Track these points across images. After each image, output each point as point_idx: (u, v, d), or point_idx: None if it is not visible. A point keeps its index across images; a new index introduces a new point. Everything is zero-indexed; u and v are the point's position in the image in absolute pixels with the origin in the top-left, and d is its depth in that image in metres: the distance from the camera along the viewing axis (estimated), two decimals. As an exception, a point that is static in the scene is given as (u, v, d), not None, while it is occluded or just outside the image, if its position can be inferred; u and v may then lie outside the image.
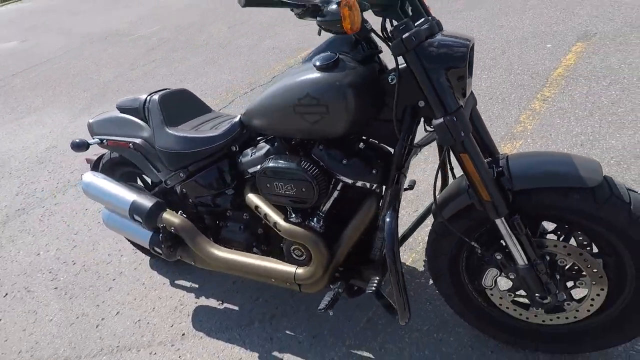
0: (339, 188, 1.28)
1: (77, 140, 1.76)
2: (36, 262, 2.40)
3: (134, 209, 1.62)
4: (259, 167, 1.37)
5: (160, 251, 1.65)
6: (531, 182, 1.04)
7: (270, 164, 1.28)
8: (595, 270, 1.09)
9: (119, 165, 1.90)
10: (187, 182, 1.57)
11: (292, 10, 0.97)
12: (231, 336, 1.69)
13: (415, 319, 1.57)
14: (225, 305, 1.84)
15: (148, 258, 2.21)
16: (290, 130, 1.24)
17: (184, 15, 7.94)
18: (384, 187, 1.24)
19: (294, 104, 1.16)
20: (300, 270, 1.36)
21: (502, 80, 2.96)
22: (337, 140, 1.25)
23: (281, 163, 1.26)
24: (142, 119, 1.67)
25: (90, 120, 1.84)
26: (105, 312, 1.96)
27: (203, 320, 1.80)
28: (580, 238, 1.10)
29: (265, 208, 1.39)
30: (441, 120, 1.00)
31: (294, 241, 1.35)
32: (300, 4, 0.95)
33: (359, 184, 1.23)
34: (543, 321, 1.23)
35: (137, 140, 1.64)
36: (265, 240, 1.55)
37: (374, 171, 1.21)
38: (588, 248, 1.10)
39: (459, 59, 0.99)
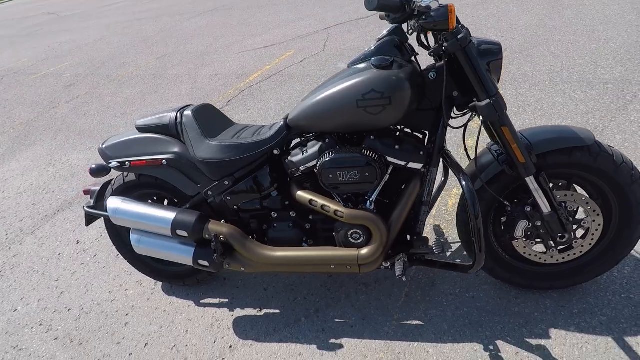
0: (389, 172, 1.49)
1: (95, 166, 1.69)
2: (16, 318, 2.11)
3: (178, 224, 1.60)
4: (312, 162, 1.51)
5: (206, 263, 1.65)
6: (547, 146, 1.38)
7: (335, 156, 1.43)
8: (594, 211, 1.46)
9: (134, 189, 1.83)
10: (232, 189, 1.62)
11: (387, 16, 1.23)
12: (282, 336, 1.74)
13: (446, 285, 1.81)
14: (265, 311, 1.87)
15: (159, 287, 2.11)
16: (350, 124, 1.41)
17: (95, 50, 7.50)
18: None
19: (357, 99, 1.35)
20: (362, 251, 1.51)
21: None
22: (384, 130, 1.47)
23: (345, 154, 1.42)
24: (171, 135, 1.68)
25: (102, 146, 1.77)
26: (131, 348, 1.83)
27: (247, 330, 1.80)
28: (578, 187, 1.47)
29: (321, 200, 1.52)
30: (487, 101, 1.28)
31: (353, 225, 1.51)
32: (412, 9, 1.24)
33: (411, 165, 1.45)
34: (557, 261, 1.56)
35: (170, 156, 1.64)
36: (312, 234, 1.66)
37: (421, 153, 1.45)
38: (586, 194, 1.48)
39: (497, 54, 1.30)
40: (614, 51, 3.52)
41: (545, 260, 1.57)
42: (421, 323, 1.67)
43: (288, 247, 1.63)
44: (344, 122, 1.41)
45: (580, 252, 1.53)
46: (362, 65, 1.40)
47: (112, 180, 1.95)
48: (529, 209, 1.45)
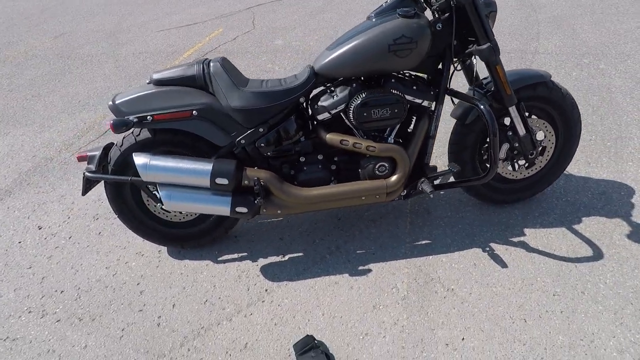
0: (406, 109, 1.71)
1: (116, 120, 1.55)
2: (-10, 311, 1.79)
3: (217, 172, 1.58)
4: (342, 106, 1.64)
5: (244, 210, 1.66)
6: (520, 82, 1.75)
7: (369, 97, 1.58)
8: (550, 132, 1.89)
9: (146, 147, 1.70)
10: (266, 136, 1.66)
11: None
12: (314, 273, 1.85)
13: (439, 210, 2.12)
14: (288, 256, 1.95)
15: (164, 254, 2.00)
16: (378, 68, 1.57)
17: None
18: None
19: (389, 44, 1.53)
20: (390, 181, 1.72)
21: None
22: (399, 74, 1.68)
23: (377, 94, 1.59)
24: (197, 87, 1.63)
25: (115, 102, 1.61)
26: (157, 311, 1.74)
27: (277, 273, 1.86)
28: (534, 115, 1.89)
29: (351, 139, 1.67)
30: (489, 44, 1.58)
31: (380, 158, 1.70)
32: None
33: (425, 103, 1.69)
34: (524, 176, 1.98)
35: (201, 106, 1.59)
36: (338, 172, 1.80)
37: (431, 92, 1.70)
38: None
39: (493, 6, 1.61)
40: (508, 28, 4.30)
41: (515, 177, 1.98)
42: (429, 241, 1.95)
43: (320, 186, 1.74)
44: (374, 66, 1.58)
45: (540, 166, 1.98)
46: (387, 16, 1.58)
47: (112, 143, 1.79)
48: (510, 134, 1.82)
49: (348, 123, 1.71)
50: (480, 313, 1.61)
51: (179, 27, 5.49)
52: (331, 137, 1.68)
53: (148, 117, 1.59)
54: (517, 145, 1.84)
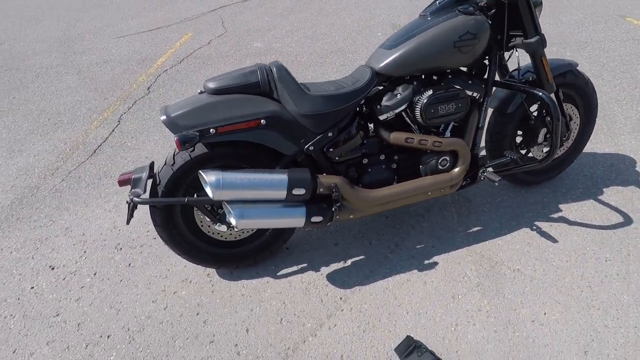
0: (469, 103, 1.70)
1: (181, 136, 1.35)
2: (26, 373, 1.49)
3: (294, 183, 1.45)
4: (405, 104, 1.60)
5: (319, 219, 1.54)
6: (554, 71, 1.83)
7: (437, 93, 1.55)
8: (576, 115, 2.00)
9: (202, 164, 1.52)
10: (335, 141, 1.55)
11: None
12: (382, 273, 1.78)
13: (478, 198, 2.15)
14: (349, 261, 1.86)
15: (214, 277, 1.81)
16: (442, 65, 1.55)
17: None
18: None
19: (454, 40, 1.51)
20: (454, 173, 1.70)
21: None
22: (455, 69, 1.67)
23: (443, 91, 1.56)
24: (260, 94, 1.47)
25: (169, 116, 1.40)
26: (230, 339, 1.55)
27: (345, 280, 1.77)
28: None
29: (417, 136, 1.63)
30: (537, 37, 1.62)
31: (444, 152, 1.68)
32: None
33: (477, 95, 1.69)
34: (552, 159, 2.08)
35: (269, 114, 1.44)
36: (397, 171, 1.75)
37: (483, 85, 1.71)
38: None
39: (541, 1, 1.65)
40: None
41: (544, 159, 2.08)
42: (481, 228, 1.98)
43: (384, 187, 1.68)
44: (437, 63, 1.55)
45: (567, 147, 2.09)
46: (446, 14, 1.56)
47: (152, 163, 1.57)
48: (548, 119, 1.90)
49: (408, 120, 1.67)
50: (550, 287, 1.67)
51: (139, 32, 5.04)
52: (396, 136, 1.62)
53: (211, 129, 1.41)
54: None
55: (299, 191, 1.46)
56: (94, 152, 2.79)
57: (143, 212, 2.21)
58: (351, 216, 1.63)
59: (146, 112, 3.24)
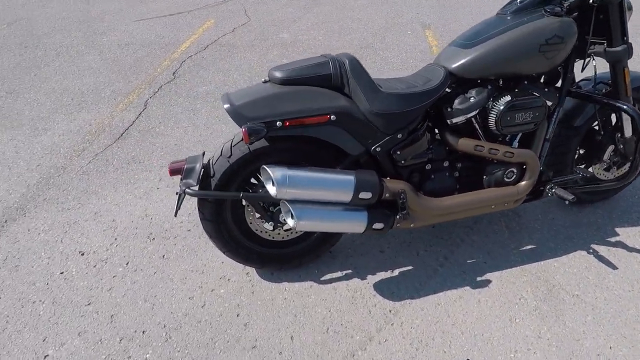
0: (547, 112, 1.61)
1: (250, 127, 1.27)
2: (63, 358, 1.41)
3: (361, 185, 1.37)
4: (477, 110, 1.52)
5: (380, 226, 1.47)
6: (634, 83, 1.75)
7: (516, 99, 1.47)
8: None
9: (260, 159, 1.44)
10: (404, 143, 1.48)
11: None
12: (432, 288, 1.70)
13: (528, 213, 2.06)
14: (397, 270, 1.78)
15: (254, 277, 1.73)
16: (522, 69, 1.47)
17: None
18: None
19: (540, 44, 1.43)
20: (520, 187, 1.62)
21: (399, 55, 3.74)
22: (530, 75, 1.59)
23: (523, 97, 1.48)
24: (330, 87, 1.40)
25: (237, 103, 1.32)
26: (275, 345, 1.48)
27: (394, 291, 1.69)
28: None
29: (487, 144, 1.55)
30: (624, 45, 1.54)
31: (510, 164, 1.60)
32: None
33: (550, 105, 1.61)
34: (614, 176, 2.00)
35: (339, 110, 1.36)
36: (459, 179, 1.67)
37: (557, 94, 1.63)
38: None
39: (631, 7, 1.56)
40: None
41: (607, 177, 2.00)
42: (534, 246, 1.90)
43: (445, 196, 1.61)
44: (517, 67, 1.47)
45: (625, 169, 2.01)
46: (531, 14, 1.48)
47: (203, 153, 1.49)
48: (618, 135, 1.82)
49: (476, 127, 1.59)
50: (614, 318, 1.59)
51: (160, 16, 4.95)
52: (464, 142, 1.54)
53: (277, 122, 1.33)
54: (621, 147, 1.85)
55: (365, 195, 1.39)
56: (121, 135, 2.71)
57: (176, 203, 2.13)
58: (412, 225, 1.55)
59: (173, 97, 3.16)
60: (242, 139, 1.40)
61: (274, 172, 1.31)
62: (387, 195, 1.45)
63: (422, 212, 1.53)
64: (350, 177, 1.37)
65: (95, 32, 4.47)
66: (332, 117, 1.36)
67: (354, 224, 1.44)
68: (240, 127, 1.31)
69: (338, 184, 1.36)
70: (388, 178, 1.53)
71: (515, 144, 1.64)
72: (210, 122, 2.84)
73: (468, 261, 1.82)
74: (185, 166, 1.43)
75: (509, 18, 1.50)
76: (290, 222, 1.41)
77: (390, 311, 1.61)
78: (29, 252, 1.86)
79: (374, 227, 1.47)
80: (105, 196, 2.19)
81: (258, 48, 4.00)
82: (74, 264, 1.80)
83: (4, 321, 1.57)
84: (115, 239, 1.93)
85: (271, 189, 1.35)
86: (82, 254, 1.85)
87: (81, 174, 2.35)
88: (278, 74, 1.37)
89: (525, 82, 1.55)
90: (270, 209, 1.57)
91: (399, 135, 1.47)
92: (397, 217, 1.47)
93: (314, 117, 1.35)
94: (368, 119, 1.41)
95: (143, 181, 2.29)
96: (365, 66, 3.50)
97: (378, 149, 1.47)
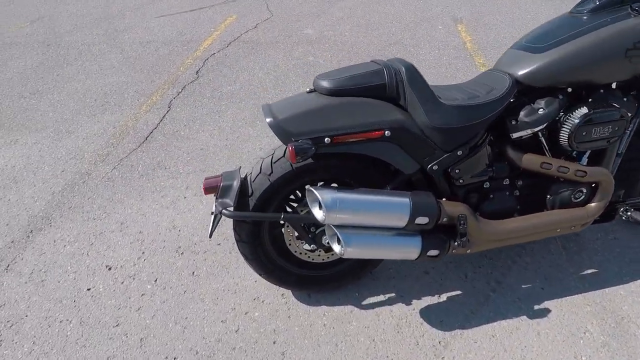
0: (627, 126, 1.43)
1: (300, 145, 1.14)
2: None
3: (418, 210, 1.22)
4: (546, 122, 1.35)
5: (435, 253, 1.32)
6: None
7: (595, 112, 1.30)
8: None
9: (300, 177, 1.31)
10: (465, 161, 1.33)
11: None
12: (485, 317, 1.55)
13: (587, 233, 1.88)
14: (444, 295, 1.64)
15: (290, 299, 1.61)
16: (604, 76, 1.30)
17: None
18: None
19: (627, 48, 1.24)
20: (590, 208, 1.45)
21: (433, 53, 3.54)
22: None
23: (602, 110, 1.30)
24: (384, 99, 1.25)
25: (280, 117, 1.19)
26: (317, 380, 1.37)
27: (442, 319, 1.55)
28: None
29: (555, 161, 1.38)
30: None
31: (580, 183, 1.42)
32: None
33: (627, 117, 1.43)
34: None
35: (394, 125, 1.22)
36: (519, 199, 1.51)
37: (636, 104, 1.45)
38: None
39: None
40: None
41: None
42: (595, 270, 1.72)
43: (504, 218, 1.45)
44: (599, 74, 1.30)
45: None
46: (614, 13, 1.29)
47: (239, 168, 1.37)
48: None
49: (543, 141, 1.42)
50: (695, 358, 1.41)
51: (181, 12, 4.85)
52: (529, 159, 1.38)
53: (325, 138, 1.19)
54: None
55: (421, 220, 1.24)
56: (146, 139, 2.61)
57: (205, 214, 2.03)
58: (468, 251, 1.40)
59: (197, 98, 3.05)
60: (285, 156, 1.27)
61: (322, 195, 1.17)
62: (444, 220, 1.30)
63: (481, 237, 1.38)
64: (405, 200, 1.23)
65: (116, 30, 4.40)
66: (386, 132, 1.21)
67: (407, 251, 1.30)
68: (286, 145, 1.18)
69: (392, 208, 1.22)
70: (444, 199, 1.38)
71: (585, 160, 1.47)
72: (236, 124, 2.72)
73: (523, 286, 1.66)
74: (222, 184, 1.31)
75: (585, 18, 1.32)
76: (336, 248, 1.28)
77: (439, 343, 1.47)
78: (55, 266, 1.78)
79: (428, 254, 1.32)
80: (131, 205, 2.10)
81: (282, 45, 3.86)
82: (101, 279, 1.72)
83: (30, 342, 1.49)
84: (143, 252, 1.84)
85: (318, 213, 1.22)
86: (109, 269, 1.76)
87: (106, 181, 2.27)
88: (326, 84, 1.23)
89: (601, 90, 1.37)
90: (312, 229, 1.44)
91: (459, 152, 1.31)
92: (455, 243, 1.32)
93: (367, 133, 1.21)
94: (426, 134, 1.26)
95: (169, 189, 2.20)
96: None
97: (435, 167, 1.32)
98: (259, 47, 3.82)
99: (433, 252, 1.32)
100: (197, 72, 3.43)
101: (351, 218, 1.21)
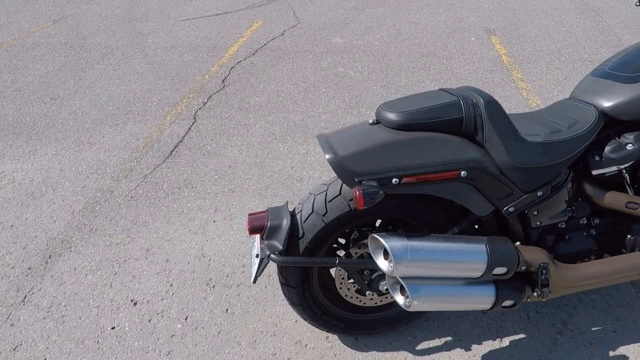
0: None
1: (368, 189, 0.97)
2: None
3: (497, 260, 1.05)
4: (632, 161, 1.17)
5: (510, 303, 1.15)
6: None
7: None
8: None
9: (352, 220, 1.15)
10: (546, 202, 1.15)
11: None
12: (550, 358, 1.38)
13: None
14: (507, 339, 1.45)
15: (335, 342, 1.45)
16: None
17: None
18: None
19: None
20: None
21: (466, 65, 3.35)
22: None
23: None
24: (459, 134, 1.08)
25: (342, 153, 1.03)
26: None
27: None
28: None
29: None
30: None
31: None
32: None
33: None
34: None
35: (471, 164, 1.05)
36: (596, 241, 1.33)
37: None
38: None
39: None
40: (582, 35, 3.94)
41: None
42: (675, 315, 1.53)
43: (581, 260, 1.27)
44: None
45: None
46: None
47: (286, 204, 1.20)
48: None
49: (627, 178, 1.24)
50: None
51: (206, 16, 4.70)
52: (613, 198, 1.20)
53: (394, 179, 1.02)
54: None
55: (500, 270, 1.07)
56: (170, 153, 2.46)
57: (235, 241, 1.87)
58: (543, 298, 1.22)
59: (224, 109, 2.90)
60: (352, 200, 1.10)
61: (390, 244, 1.00)
62: (522, 268, 1.13)
63: (560, 284, 1.20)
64: (482, 249, 1.05)
65: (140, 33, 4.27)
66: (462, 172, 1.04)
67: (479, 302, 1.12)
68: (348, 185, 1.02)
69: (468, 258, 1.04)
70: (518, 244, 1.21)
71: None
72: (265, 139, 2.56)
73: (593, 329, 1.47)
74: (269, 224, 1.15)
75: None
76: (400, 300, 1.11)
77: (509, 400, 1.29)
78: (76, 299, 1.63)
79: (503, 304, 1.15)
80: (156, 229, 1.95)
81: (310, 54, 3.69)
82: (126, 316, 1.56)
83: (51, 389, 1.34)
84: (171, 284, 1.68)
85: (383, 264, 1.04)
86: (135, 304, 1.61)
87: (129, 200, 2.12)
88: (394, 117, 1.06)
89: None
90: (365, 272, 1.27)
91: (540, 193, 1.13)
92: (535, 294, 1.14)
93: (441, 174, 1.03)
94: (504, 174, 1.08)
95: (197, 211, 2.04)
96: (429, 77, 3.24)
97: (511, 210, 1.14)
98: (286, 56, 3.66)
99: (508, 302, 1.15)
100: (223, 80, 3.28)
101: (422, 270, 1.03)
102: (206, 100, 3.00)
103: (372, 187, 0.97)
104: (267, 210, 1.19)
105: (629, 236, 1.30)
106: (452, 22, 4.37)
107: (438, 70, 3.34)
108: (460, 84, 3.14)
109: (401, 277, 1.07)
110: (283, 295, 1.59)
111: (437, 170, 1.02)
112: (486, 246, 1.06)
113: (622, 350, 1.41)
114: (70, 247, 1.86)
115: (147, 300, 1.62)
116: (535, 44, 3.76)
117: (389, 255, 1.01)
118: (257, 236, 1.21)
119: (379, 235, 1.03)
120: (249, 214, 1.20)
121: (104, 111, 2.91)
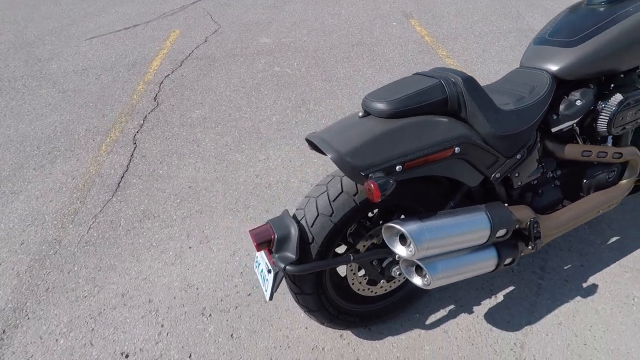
0: None
1: (382, 180, 0.97)
2: None
3: (497, 223, 1.13)
4: (583, 113, 1.34)
5: (510, 259, 1.24)
6: None
7: (630, 97, 1.30)
8: None
9: (357, 214, 1.14)
10: (524, 163, 1.25)
11: None
12: (544, 304, 1.51)
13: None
14: (500, 294, 1.56)
15: (351, 338, 1.45)
16: (633, 62, 1.31)
17: None
18: None
19: None
20: (623, 184, 1.49)
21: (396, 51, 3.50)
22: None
23: (636, 93, 1.32)
24: (446, 113, 1.12)
25: (343, 150, 0.99)
26: None
27: (508, 319, 1.48)
28: None
29: (594, 148, 1.38)
30: None
31: (612, 164, 1.45)
32: None
33: None
34: None
35: (462, 140, 1.10)
36: (562, 190, 1.49)
37: None
38: None
39: None
40: (488, 9, 4.34)
41: None
42: (618, 237, 1.77)
43: (553, 210, 1.43)
44: (628, 61, 1.32)
45: None
46: (634, 3, 1.31)
47: (286, 211, 1.16)
48: None
49: (577, 131, 1.42)
50: None
51: (114, 31, 4.28)
52: (571, 150, 1.36)
53: (397, 166, 1.03)
54: None
55: (501, 232, 1.15)
56: (118, 185, 2.23)
57: (219, 262, 1.76)
58: (536, 249, 1.35)
59: (165, 128, 2.69)
60: (366, 193, 1.09)
61: (407, 228, 1.02)
62: (517, 226, 1.23)
63: (545, 234, 1.34)
64: (483, 216, 1.13)
65: (39, 59, 3.74)
66: (456, 149, 1.09)
67: (486, 266, 1.21)
68: (357, 181, 1.01)
69: (474, 227, 1.11)
70: (507, 205, 1.31)
71: (609, 142, 1.49)
72: (220, 152, 2.43)
73: (564, 267, 1.66)
74: (276, 236, 1.10)
75: (602, 10, 1.32)
76: (418, 281, 1.14)
77: (515, 344, 1.41)
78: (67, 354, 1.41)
79: (504, 263, 1.24)
80: (127, 270, 1.75)
81: (241, 57, 3.57)
82: (121, 371, 1.40)
83: None
84: (162, 325, 1.53)
85: (401, 250, 1.06)
86: (127, 356, 1.44)
87: (84, 245, 1.88)
88: (383, 106, 1.07)
89: (622, 75, 1.39)
90: (374, 263, 1.28)
91: (518, 156, 1.24)
92: (529, 247, 1.25)
93: (438, 153, 1.07)
94: (489, 143, 1.16)
95: (168, 241, 1.88)
96: (365, 64, 3.33)
97: (497, 175, 1.23)
98: (216, 63, 3.49)
99: (508, 260, 1.25)
100: (154, 98, 3.02)
101: (440, 249, 1.07)
102: (142, 122, 2.76)
103: (382, 178, 0.98)
104: (268, 223, 1.14)
105: (585, 181, 1.48)
106: (371, 9, 4.53)
107: (371, 58, 3.46)
108: (395, 67, 3.28)
109: (417, 259, 1.10)
110: (286, 306, 1.55)
111: (435, 151, 1.06)
112: (486, 213, 1.13)
113: (590, 280, 1.61)
114: (26, 315, 1.60)
115: (140, 349, 1.46)
116: (451, 23, 4.06)
117: (408, 239, 1.03)
118: (263, 252, 1.15)
119: (395, 223, 1.04)
120: (250, 231, 1.13)
121: (20, 154, 2.52)
